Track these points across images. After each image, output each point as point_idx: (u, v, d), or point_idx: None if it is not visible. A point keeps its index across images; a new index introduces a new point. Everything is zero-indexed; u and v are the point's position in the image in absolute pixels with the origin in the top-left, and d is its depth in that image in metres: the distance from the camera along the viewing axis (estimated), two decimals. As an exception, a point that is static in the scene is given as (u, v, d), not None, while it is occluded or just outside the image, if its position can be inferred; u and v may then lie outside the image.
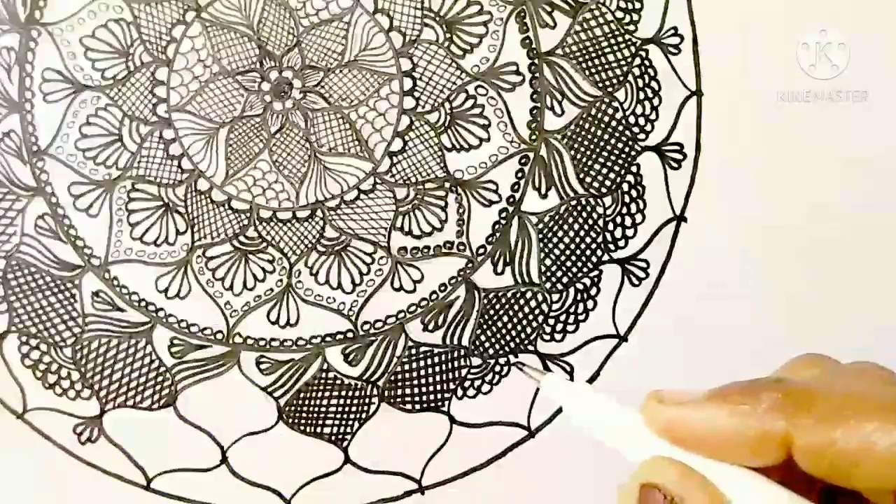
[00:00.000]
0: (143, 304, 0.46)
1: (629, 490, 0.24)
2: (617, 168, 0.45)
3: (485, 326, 0.46)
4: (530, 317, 0.46)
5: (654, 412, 0.25)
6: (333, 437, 0.46)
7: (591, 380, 0.46)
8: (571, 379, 0.46)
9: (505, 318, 0.46)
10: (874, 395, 0.23)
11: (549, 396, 0.28)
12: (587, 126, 0.45)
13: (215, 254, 0.46)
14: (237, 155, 0.46)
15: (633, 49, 0.45)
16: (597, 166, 0.45)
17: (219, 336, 0.46)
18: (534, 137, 0.45)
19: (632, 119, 0.45)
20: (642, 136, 0.45)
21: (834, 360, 0.26)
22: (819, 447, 0.22)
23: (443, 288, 0.46)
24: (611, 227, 0.46)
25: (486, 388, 0.46)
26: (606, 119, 0.45)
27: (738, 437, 0.23)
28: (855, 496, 0.23)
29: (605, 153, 0.45)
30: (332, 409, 0.46)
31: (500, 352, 0.46)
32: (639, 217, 0.46)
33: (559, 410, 0.45)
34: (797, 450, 0.22)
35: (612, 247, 0.46)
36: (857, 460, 0.21)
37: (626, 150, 0.45)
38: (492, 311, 0.46)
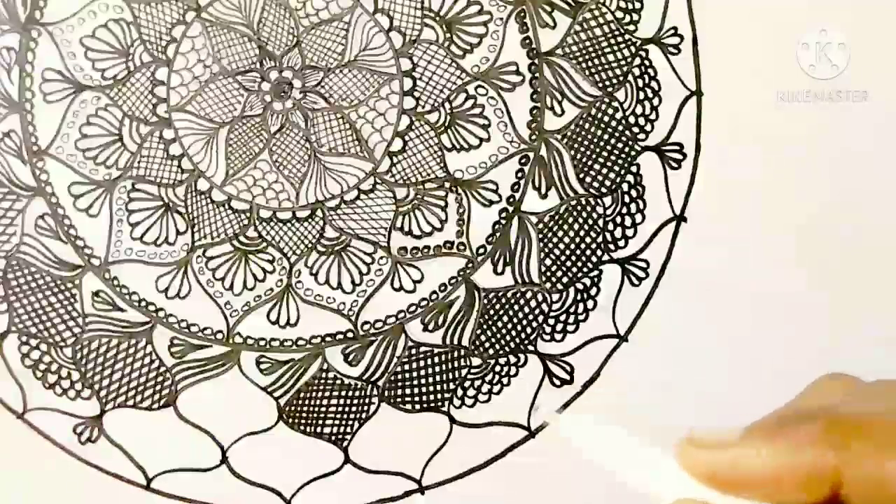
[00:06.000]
0: (143, 304, 0.46)
1: None
2: (617, 168, 0.45)
3: (485, 326, 0.46)
4: (530, 317, 0.46)
5: (692, 457, 0.23)
6: (333, 437, 0.46)
7: (591, 380, 0.46)
8: (571, 381, 0.46)
9: (505, 318, 0.46)
10: None
11: (567, 437, 0.26)
12: (587, 126, 0.45)
13: (215, 254, 0.46)
14: (237, 155, 0.46)
15: (633, 49, 0.45)
16: (597, 166, 0.45)
17: (219, 336, 0.46)
18: (534, 137, 0.45)
19: (632, 119, 0.45)
20: (642, 136, 0.45)
21: (855, 378, 0.24)
22: (874, 481, 0.20)
23: (443, 288, 0.46)
24: (611, 227, 0.46)
25: (486, 388, 0.46)
26: (606, 119, 0.45)
27: (785, 475, 0.21)
28: None
29: (605, 153, 0.45)
30: (332, 409, 0.46)
31: (501, 352, 0.46)
32: (639, 217, 0.46)
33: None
34: (849, 484, 0.20)
35: (612, 247, 0.46)
36: None
37: (626, 150, 0.45)
38: (492, 311, 0.46)
